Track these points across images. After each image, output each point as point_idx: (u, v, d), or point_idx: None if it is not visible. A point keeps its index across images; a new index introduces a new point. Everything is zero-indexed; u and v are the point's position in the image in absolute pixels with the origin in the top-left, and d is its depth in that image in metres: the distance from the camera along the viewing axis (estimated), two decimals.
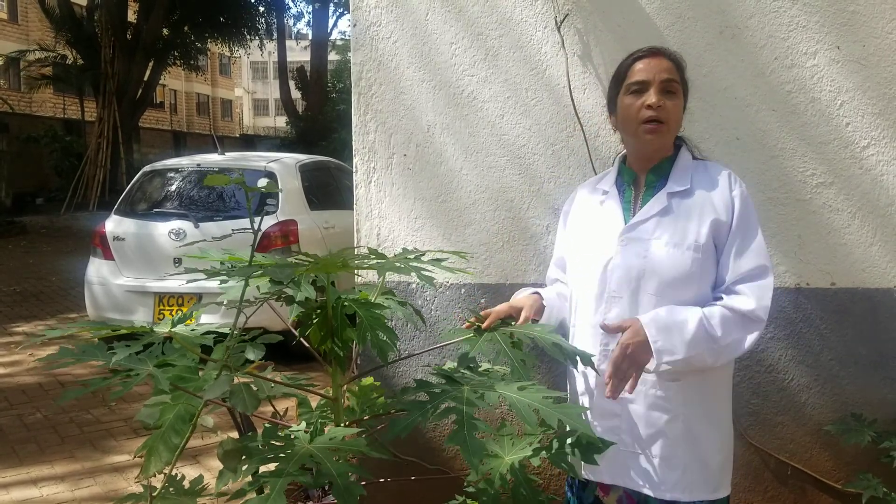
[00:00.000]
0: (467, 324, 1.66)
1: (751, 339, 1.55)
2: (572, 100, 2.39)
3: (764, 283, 1.56)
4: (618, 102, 1.69)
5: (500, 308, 1.67)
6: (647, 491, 1.63)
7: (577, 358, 1.52)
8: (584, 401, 1.70)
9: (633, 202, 1.69)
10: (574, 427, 1.30)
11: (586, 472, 1.70)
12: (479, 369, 1.56)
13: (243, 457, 1.35)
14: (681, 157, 1.68)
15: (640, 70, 1.64)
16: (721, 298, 1.58)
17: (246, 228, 1.46)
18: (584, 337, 1.70)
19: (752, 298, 1.54)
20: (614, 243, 1.64)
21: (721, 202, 1.60)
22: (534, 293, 1.78)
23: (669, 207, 1.62)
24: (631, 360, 1.52)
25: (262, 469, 1.31)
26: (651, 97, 1.60)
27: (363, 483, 1.41)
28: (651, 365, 1.53)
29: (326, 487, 2.95)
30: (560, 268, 1.87)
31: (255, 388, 1.45)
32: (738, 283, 1.57)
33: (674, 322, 1.52)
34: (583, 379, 1.73)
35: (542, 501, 1.53)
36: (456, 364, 1.56)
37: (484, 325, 1.61)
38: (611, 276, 1.64)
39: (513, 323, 1.65)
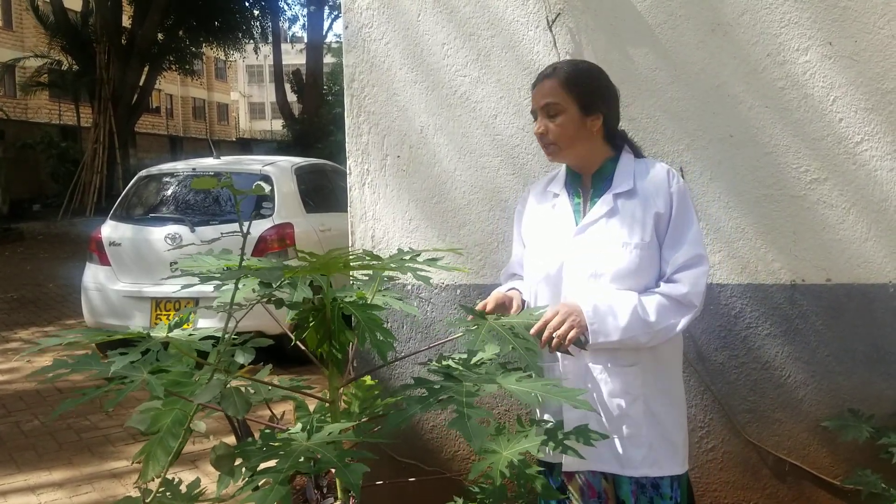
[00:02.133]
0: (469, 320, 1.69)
1: (684, 321, 1.66)
2: None
3: (698, 271, 1.67)
4: None
5: (496, 298, 1.74)
6: (616, 470, 1.70)
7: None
8: None
9: (583, 204, 1.77)
10: (578, 407, 1.38)
11: (555, 459, 1.75)
12: (473, 362, 1.57)
13: (236, 461, 1.35)
14: (622, 157, 1.77)
15: (531, 99, 1.77)
16: (660, 286, 1.68)
17: (236, 232, 1.45)
18: None
19: (686, 284, 1.66)
20: (567, 245, 1.72)
21: (661, 199, 1.69)
22: (512, 289, 1.84)
23: (616, 208, 1.71)
24: (567, 330, 1.60)
25: (262, 467, 1.31)
26: (536, 126, 1.74)
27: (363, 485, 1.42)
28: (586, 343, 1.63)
29: (325, 490, 2.94)
30: (523, 267, 1.92)
31: (248, 392, 1.45)
32: (676, 273, 1.68)
33: (610, 309, 1.63)
34: (551, 373, 1.78)
35: (545, 484, 1.58)
36: (457, 358, 1.58)
37: (487, 311, 1.68)
38: (565, 277, 1.72)
39: (500, 315, 1.70)
